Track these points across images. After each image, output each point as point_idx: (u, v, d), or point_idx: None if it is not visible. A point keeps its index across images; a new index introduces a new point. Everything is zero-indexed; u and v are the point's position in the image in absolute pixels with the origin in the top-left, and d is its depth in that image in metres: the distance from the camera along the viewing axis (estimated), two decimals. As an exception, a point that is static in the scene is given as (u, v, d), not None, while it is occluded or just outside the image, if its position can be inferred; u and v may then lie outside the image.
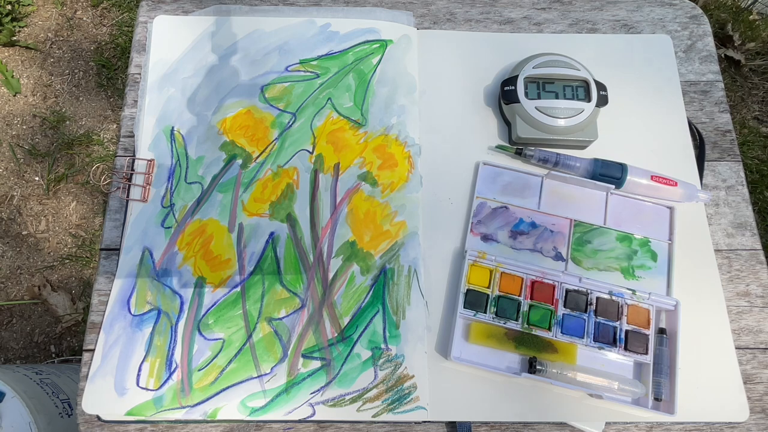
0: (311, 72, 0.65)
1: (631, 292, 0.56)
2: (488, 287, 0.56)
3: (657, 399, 0.52)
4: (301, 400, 0.53)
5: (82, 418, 0.52)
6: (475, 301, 0.55)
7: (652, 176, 0.59)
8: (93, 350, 0.54)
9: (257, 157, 0.61)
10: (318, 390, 0.53)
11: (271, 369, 0.54)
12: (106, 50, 1.44)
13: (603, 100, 0.61)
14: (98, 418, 0.52)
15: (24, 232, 1.27)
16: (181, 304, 0.56)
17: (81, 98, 1.39)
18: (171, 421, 0.53)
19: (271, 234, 0.58)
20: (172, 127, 0.62)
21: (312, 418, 0.52)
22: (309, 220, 0.59)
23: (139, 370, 0.53)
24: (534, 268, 0.56)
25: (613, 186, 0.59)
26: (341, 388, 0.53)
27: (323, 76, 0.65)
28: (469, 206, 0.60)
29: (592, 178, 0.60)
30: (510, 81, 0.62)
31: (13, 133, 1.35)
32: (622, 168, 0.59)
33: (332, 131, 0.63)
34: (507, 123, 0.64)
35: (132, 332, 0.55)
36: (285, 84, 0.64)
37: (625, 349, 0.54)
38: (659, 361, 0.54)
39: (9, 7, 1.41)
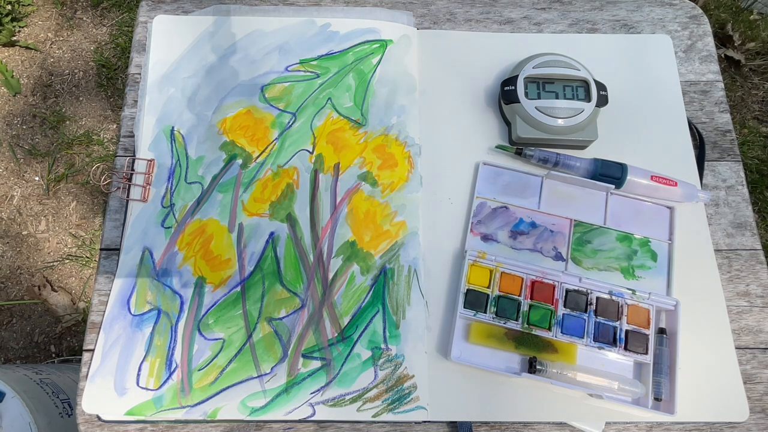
0: (311, 72, 0.65)
1: (631, 292, 0.56)
2: (488, 287, 0.56)
3: (657, 399, 0.52)
4: (301, 400, 0.53)
5: (82, 418, 0.52)
6: (475, 301, 0.55)
7: (652, 176, 0.59)
8: (93, 350, 0.54)
9: (257, 157, 0.61)
10: (318, 390, 0.53)
11: (271, 369, 0.54)
12: (106, 50, 1.44)
13: (603, 100, 0.61)
14: (98, 418, 0.52)
15: (24, 232, 1.27)
16: (181, 304, 0.56)
17: (81, 98, 1.39)
18: (171, 421, 0.53)
19: (271, 234, 0.58)
20: (172, 127, 0.62)
21: (312, 418, 0.52)
22: (309, 220, 0.59)
23: (139, 369, 0.53)
24: (534, 268, 0.56)
25: (613, 186, 0.59)
26: (341, 388, 0.53)
27: (323, 76, 0.65)
28: (469, 206, 0.60)
29: (592, 178, 0.60)
30: (510, 81, 0.62)
31: (13, 133, 1.35)
32: (622, 168, 0.59)
33: (332, 131, 0.63)
34: (507, 123, 0.64)
35: (132, 332, 0.55)
36: (285, 84, 0.64)
37: (625, 349, 0.54)
38: (659, 361, 0.54)
39: (9, 7, 1.41)
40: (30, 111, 1.37)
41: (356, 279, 0.57)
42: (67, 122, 1.36)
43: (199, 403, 0.52)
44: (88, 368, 0.53)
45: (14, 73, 1.39)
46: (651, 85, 0.66)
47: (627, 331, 0.55)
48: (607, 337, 0.54)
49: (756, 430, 0.54)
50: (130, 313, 0.55)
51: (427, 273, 0.57)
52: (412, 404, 0.53)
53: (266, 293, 0.56)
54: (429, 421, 0.53)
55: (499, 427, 0.54)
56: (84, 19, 1.47)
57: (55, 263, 1.25)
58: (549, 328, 0.54)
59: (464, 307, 0.55)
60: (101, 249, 0.58)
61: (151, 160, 0.61)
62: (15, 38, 1.42)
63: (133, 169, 0.60)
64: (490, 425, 0.54)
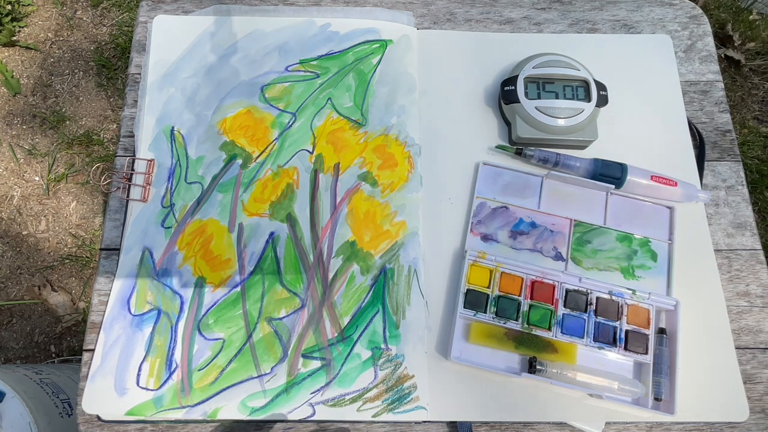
0: (311, 72, 0.65)
1: (631, 292, 0.56)
2: (488, 287, 0.56)
3: (657, 399, 0.52)
4: (301, 400, 0.53)
5: (82, 418, 0.52)
6: (475, 301, 0.55)
7: (652, 176, 0.59)
8: (93, 350, 0.54)
9: (257, 157, 0.61)
10: (318, 390, 0.53)
11: (271, 369, 0.54)
12: (106, 50, 1.44)
13: (603, 100, 0.61)
14: (98, 418, 0.52)
15: (24, 232, 1.27)
16: (181, 304, 0.56)
17: (81, 98, 1.39)
18: (171, 421, 0.53)
19: (271, 234, 0.58)
20: (172, 127, 0.62)
21: (312, 418, 0.52)
22: (309, 220, 0.59)
23: (139, 369, 0.53)
24: (534, 268, 0.56)
25: (613, 186, 0.59)
26: (341, 388, 0.53)
27: (323, 76, 0.65)
28: (469, 206, 0.60)
29: (592, 178, 0.60)
30: (510, 81, 0.62)
31: (13, 133, 1.35)
32: (622, 168, 0.59)
33: (332, 131, 0.63)
34: (507, 123, 0.64)
35: (132, 332, 0.55)
36: (285, 84, 0.64)
37: (625, 349, 0.54)
38: (659, 361, 0.54)
39: (9, 7, 1.41)
40: (30, 111, 1.37)
41: (356, 279, 0.57)
42: (67, 122, 1.36)
43: (199, 403, 0.52)
44: (88, 368, 0.53)
45: (14, 73, 1.39)
46: (651, 85, 0.66)
47: (627, 331, 0.55)
48: (607, 337, 0.54)
49: (756, 430, 0.54)
50: (130, 313, 0.55)
51: (427, 273, 0.57)
52: (412, 404, 0.53)
53: (266, 293, 0.56)
54: (429, 421, 0.53)
55: (499, 427, 0.54)
56: (84, 19, 1.47)
57: (55, 263, 1.25)
58: (549, 328, 0.54)
59: (464, 307, 0.55)
60: (101, 249, 0.58)
61: (151, 160, 0.61)
62: (15, 38, 1.42)
63: (133, 169, 0.60)
64: (490, 425, 0.54)
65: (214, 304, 0.56)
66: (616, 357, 0.55)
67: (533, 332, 0.54)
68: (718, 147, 0.65)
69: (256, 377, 0.53)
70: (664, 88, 0.66)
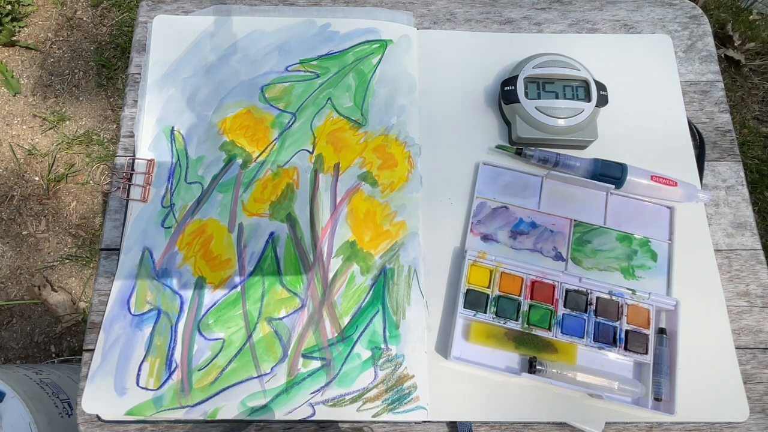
0: (311, 72, 0.65)
1: (631, 292, 0.56)
2: (488, 287, 0.56)
3: (657, 399, 0.52)
4: (301, 400, 0.53)
5: (82, 418, 0.52)
6: (475, 301, 0.55)
7: (652, 176, 0.59)
8: (93, 350, 0.54)
9: (257, 157, 0.61)
10: (318, 390, 0.53)
11: (271, 369, 0.54)
12: (106, 50, 1.44)
13: (603, 100, 0.61)
14: (98, 418, 0.52)
15: (24, 232, 1.27)
16: (181, 304, 0.56)
17: (81, 98, 1.39)
18: (171, 421, 0.53)
19: (271, 234, 0.58)
20: (172, 127, 0.62)
21: (312, 418, 0.52)
22: (309, 220, 0.59)
23: (139, 369, 0.53)
24: (534, 268, 0.56)
25: (613, 186, 0.59)
26: (341, 388, 0.53)
27: (323, 76, 0.65)
28: (469, 206, 0.60)
29: (592, 178, 0.60)
30: (510, 81, 0.62)
31: (13, 133, 1.35)
32: (622, 168, 0.59)
33: (332, 131, 0.63)
34: (507, 123, 0.64)
35: (132, 332, 0.55)
36: (285, 84, 0.64)
37: (625, 349, 0.54)
38: (659, 361, 0.54)
39: (9, 7, 1.41)
40: (30, 111, 1.37)
41: (356, 279, 0.57)
42: (67, 122, 1.36)
43: (199, 403, 0.52)
44: (88, 368, 0.53)
45: (14, 73, 1.39)
46: (651, 85, 0.66)
47: (627, 331, 0.55)
48: (607, 337, 0.54)
49: (756, 430, 0.54)
50: (130, 313, 0.55)
51: (427, 273, 0.57)
52: (412, 404, 0.53)
53: (266, 293, 0.56)
54: (429, 421, 0.53)
55: (499, 427, 0.54)
56: (84, 19, 1.47)
57: (55, 263, 1.25)
58: (549, 328, 0.54)
59: (464, 307, 0.55)
60: (101, 249, 0.58)
61: (151, 160, 0.61)
62: (15, 38, 1.42)
63: (133, 169, 0.60)
64: (490, 425, 0.54)
65: (214, 304, 0.56)
66: (616, 357, 0.55)
67: (533, 332, 0.54)
68: (718, 147, 0.65)
69: (256, 377, 0.53)
70: (664, 88, 0.66)
